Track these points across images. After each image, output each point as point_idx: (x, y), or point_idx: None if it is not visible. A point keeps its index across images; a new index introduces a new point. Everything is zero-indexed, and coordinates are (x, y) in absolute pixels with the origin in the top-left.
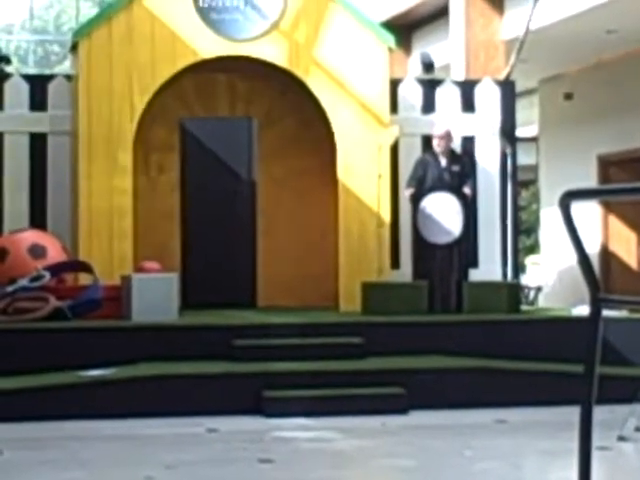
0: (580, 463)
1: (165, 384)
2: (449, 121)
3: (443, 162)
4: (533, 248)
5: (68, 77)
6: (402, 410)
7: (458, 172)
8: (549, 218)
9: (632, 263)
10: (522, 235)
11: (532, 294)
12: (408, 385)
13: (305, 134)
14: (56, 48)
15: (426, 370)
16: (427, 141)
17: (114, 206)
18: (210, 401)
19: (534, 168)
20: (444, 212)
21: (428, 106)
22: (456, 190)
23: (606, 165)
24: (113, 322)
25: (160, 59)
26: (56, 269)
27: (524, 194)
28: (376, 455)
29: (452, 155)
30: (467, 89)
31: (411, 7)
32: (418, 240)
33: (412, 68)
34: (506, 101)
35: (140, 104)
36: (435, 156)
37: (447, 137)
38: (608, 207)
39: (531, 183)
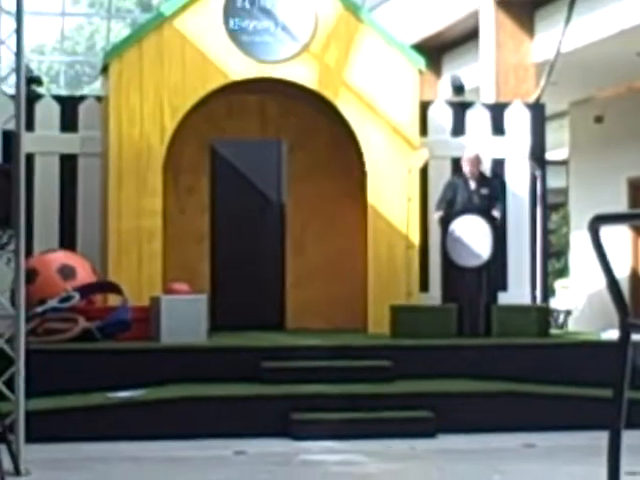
0: None
1: (193, 406)
2: (479, 144)
3: (472, 185)
4: (563, 271)
5: (99, 98)
6: (430, 434)
7: (487, 195)
8: (579, 241)
9: None
10: (552, 258)
11: (561, 318)
12: (436, 408)
13: (335, 156)
14: (87, 69)
15: (455, 394)
16: (457, 164)
17: (144, 227)
18: (238, 423)
19: (564, 191)
20: (473, 235)
21: (458, 129)
22: (485, 213)
23: (636, 188)
24: (142, 343)
25: (190, 81)
26: (85, 290)
27: (554, 217)
28: (404, 479)
29: (481, 178)
30: (497, 112)
31: (441, 29)
32: (447, 263)
33: (442, 90)
34: (536, 124)
35: (170, 126)
36: (464, 179)
37: (476, 161)
38: (638, 231)
39: (561, 206)
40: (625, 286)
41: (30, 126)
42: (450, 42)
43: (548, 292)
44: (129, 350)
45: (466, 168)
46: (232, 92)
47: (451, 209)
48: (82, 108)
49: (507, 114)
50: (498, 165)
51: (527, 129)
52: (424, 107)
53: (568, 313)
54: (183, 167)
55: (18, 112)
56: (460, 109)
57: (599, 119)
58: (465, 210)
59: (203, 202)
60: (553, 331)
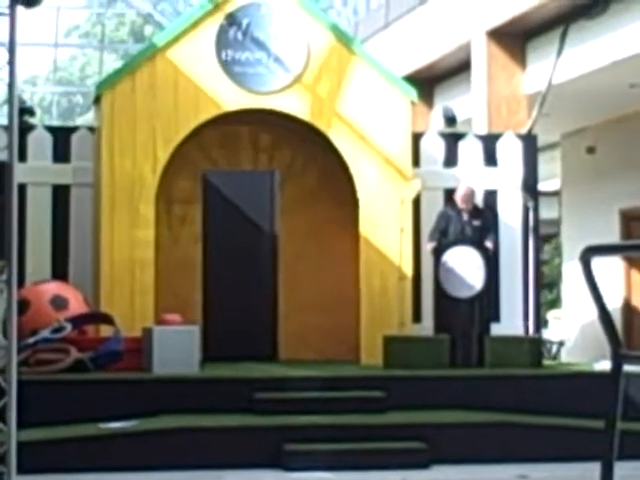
0: None
1: (186, 437)
2: (471, 175)
3: (465, 217)
4: (555, 302)
5: (91, 129)
6: (423, 465)
7: (480, 226)
8: (571, 272)
9: None
10: (544, 289)
11: (554, 349)
12: (429, 440)
13: (327, 187)
14: (80, 100)
15: (448, 425)
16: (449, 194)
17: (136, 258)
18: (230, 454)
19: (556, 222)
20: (466, 266)
21: (450, 160)
22: (478, 244)
23: (628, 220)
24: (134, 374)
25: (183, 111)
26: (78, 321)
27: (546, 248)
28: None
29: (474, 210)
30: (489, 143)
31: (433, 61)
32: (440, 294)
33: (434, 122)
34: (528, 155)
35: (163, 156)
36: (457, 210)
37: (470, 197)
38: (631, 262)
39: (553, 237)
40: (617, 317)
41: (22, 157)
42: (442, 73)
43: (541, 323)
44: (121, 381)
45: (461, 205)
46: (224, 123)
47: (444, 239)
48: (75, 139)
49: (499, 145)
50: (490, 196)
51: (519, 160)
52: (416, 138)
53: (561, 344)
54: (176, 197)
55: (11, 143)
56: (452, 140)
57: (591, 150)
58: (457, 241)
59: (196, 232)
60: (546, 362)
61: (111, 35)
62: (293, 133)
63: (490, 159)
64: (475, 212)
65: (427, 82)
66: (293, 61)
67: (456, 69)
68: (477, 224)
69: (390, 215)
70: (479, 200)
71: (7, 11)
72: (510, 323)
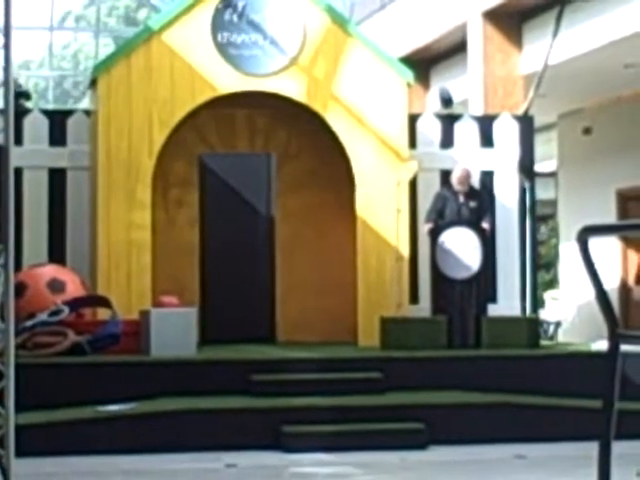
0: None
1: (183, 419)
2: (467, 156)
3: (461, 198)
4: (552, 283)
5: (87, 112)
6: (421, 445)
7: (476, 208)
8: (568, 253)
9: None
10: (541, 270)
11: (551, 329)
12: (427, 420)
13: (323, 169)
14: (74, 85)
15: (445, 405)
16: (446, 176)
17: (133, 241)
18: (229, 436)
19: (553, 203)
20: (463, 247)
21: (447, 141)
22: (474, 225)
23: (625, 200)
24: (132, 357)
25: (179, 94)
26: (75, 304)
27: (543, 229)
28: None
29: (470, 191)
30: (485, 124)
31: (429, 42)
32: (437, 275)
33: (431, 103)
34: (525, 136)
35: (159, 139)
36: (453, 191)
37: (467, 178)
38: (627, 242)
39: (550, 218)
40: (614, 297)
41: (19, 140)
42: (438, 55)
43: (538, 303)
44: (119, 363)
45: (457, 187)
46: (221, 105)
47: (440, 221)
48: (71, 122)
49: (496, 126)
50: (487, 177)
51: (516, 141)
52: (413, 120)
53: (558, 324)
54: (172, 180)
55: (6, 126)
56: (448, 121)
57: (587, 131)
58: (454, 222)
59: (193, 215)
60: (543, 342)
61: (104, 20)
62: (289, 115)
63: (486, 140)
64: (471, 193)
65: (423, 63)
66: (289, 43)
67: (452, 50)
68: (473, 205)
69: (386, 196)
70: (475, 181)
71: None
72: (507, 304)
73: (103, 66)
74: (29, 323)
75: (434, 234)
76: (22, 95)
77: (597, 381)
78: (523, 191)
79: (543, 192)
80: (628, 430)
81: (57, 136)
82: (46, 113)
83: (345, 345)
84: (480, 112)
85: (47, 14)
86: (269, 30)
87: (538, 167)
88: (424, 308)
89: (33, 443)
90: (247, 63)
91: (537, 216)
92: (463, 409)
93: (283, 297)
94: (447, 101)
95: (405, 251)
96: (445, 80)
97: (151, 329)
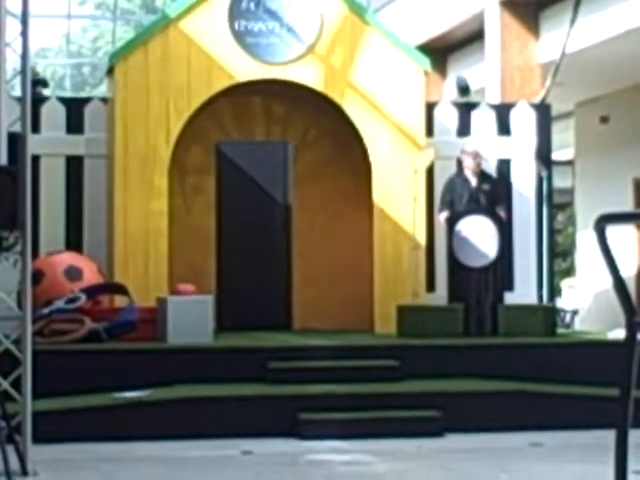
0: None
1: (200, 406)
2: (484, 144)
3: (473, 182)
4: (569, 271)
5: (104, 100)
6: (438, 433)
7: (489, 190)
8: (585, 241)
9: None
10: (558, 258)
11: (568, 317)
12: (444, 408)
13: (340, 157)
14: (92, 72)
15: (462, 393)
16: (462, 164)
17: (150, 228)
18: (245, 423)
19: (570, 191)
20: (479, 235)
21: (464, 129)
22: (490, 210)
23: None
24: (148, 344)
25: (196, 82)
26: (92, 291)
27: (560, 217)
28: (411, 478)
29: (482, 174)
30: (503, 112)
31: (447, 30)
32: (453, 263)
33: (448, 91)
34: (542, 124)
35: (176, 127)
36: (463, 177)
37: (477, 155)
38: None
39: (567, 206)
40: (631, 285)
41: (36, 128)
42: (455, 43)
43: (554, 292)
44: (135, 351)
45: (467, 161)
46: (237, 94)
47: (456, 209)
48: (88, 110)
49: (513, 115)
50: (504, 165)
51: (533, 129)
52: (430, 108)
53: (575, 313)
54: (189, 168)
55: (24, 114)
56: (465, 110)
57: (605, 119)
58: (471, 210)
59: (209, 203)
60: (560, 331)
61: (122, 5)
62: (306, 103)
63: (503, 128)
64: (483, 177)
65: (440, 52)
66: (306, 31)
67: (469, 38)
68: (486, 188)
69: (403, 185)
70: (492, 169)
71: None
72: (524, 292)
73: (120, 54)
74: (46, 310)
75: (451, 222)
76: (39, 83)
77: (614, 369)
78: (540, 179)
79: (560, 180)
80: None
81: (74, 124)
82: (63, 101)
83: (361, 333)
84: (497, 100)
85: (64, 2)
86: (286, 18)
87: (555, 155)
88: (441, 296)
89: (50, 430)
90: (264, 51)
91: (554, 204)
92: (479, 397)
93: (300, 284)
94: (464, 89)
95: (422, 239)
96: (462, 68)
97: (168, 316)
